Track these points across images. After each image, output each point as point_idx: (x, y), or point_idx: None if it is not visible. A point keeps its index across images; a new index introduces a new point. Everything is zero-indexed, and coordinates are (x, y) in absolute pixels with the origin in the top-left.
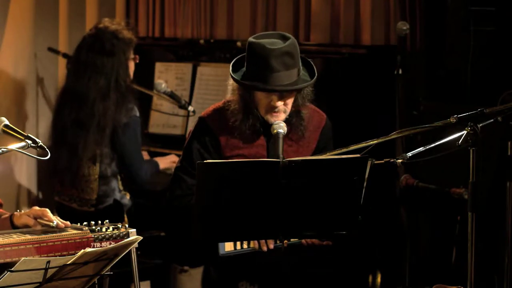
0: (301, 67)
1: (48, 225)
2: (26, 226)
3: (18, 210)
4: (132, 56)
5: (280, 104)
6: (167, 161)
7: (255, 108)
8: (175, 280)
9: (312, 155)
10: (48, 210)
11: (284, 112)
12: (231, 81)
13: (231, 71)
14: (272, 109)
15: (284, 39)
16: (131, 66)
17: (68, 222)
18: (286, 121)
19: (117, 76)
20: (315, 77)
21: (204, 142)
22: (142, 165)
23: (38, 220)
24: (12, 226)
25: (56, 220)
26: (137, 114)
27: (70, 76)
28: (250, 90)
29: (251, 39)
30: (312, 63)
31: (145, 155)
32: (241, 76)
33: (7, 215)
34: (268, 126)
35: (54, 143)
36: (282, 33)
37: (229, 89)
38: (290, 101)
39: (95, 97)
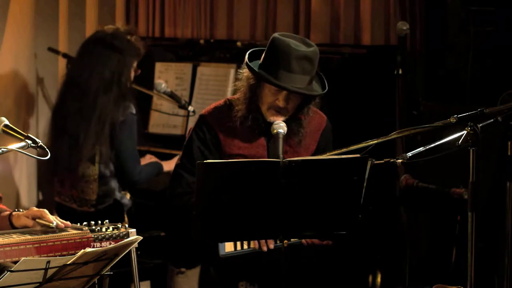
0: (314, 77)
1: (48, 226)
2: (25, 227)
3: (16, 209)
4: (135, 66)
5: (284, 105)
6: (172, 164)
7: (258, 102)
8: (172, 282)
9: (312, 156)
10: (46, 211)
11: (284, 115)
12: (243, 70)
13: (247, 59)
14: (275, 108)
15: (307, 45)
16: (131, 75)
17: (68, 222)
18: (286, 123)
19: (121, 74)
20: (326, 90)
21: (204, 139)
22: (137, 164)
23: (37, 220)
24: (12, 226)
25: (55, 220)
26: (134, 111)
27: (74, 64)
28: (264, 82)
29: (276, 35)
30: (324, 77)
31: (150, 157)
32: (257, 68)
33: (6, 214)
34: (269, 126)
35: (55, 132)
36: (307, 40)
37: (242, 77)
38: (293, 106)
39: (97, 88)
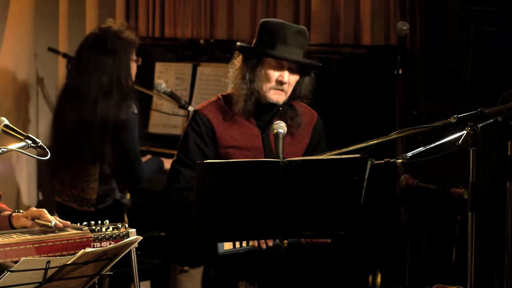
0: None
1: (46, 226)
2: (24, 228)
3: (16, 210)
4: (134, 57)
5: (287, 79)
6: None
7: (257, 86)
8: (175, 280)
9: (306, 150)
10: (45, 211)
11: (286, 93)
12: (235, 58)
13: (240, 44)
14: (278, 85)
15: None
16: (133, 67)
17: (68, 222)
18: (281, 114)
19: (119, 75)
20: (320, 65)
21: (200, 133)
22: (140, 162)
23: (36, 220)
24: (11, 227)
25: (54, 220)
26: (135, 111)
27: (71, 75)
28: (267, 56)
29: (264, 19)
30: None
31: (148, 157)
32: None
33: (6, 214)
34: (262, 115)
35: (56, 142)
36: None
37: (235, 66)
38: (293, 82)
39: (97, 95)
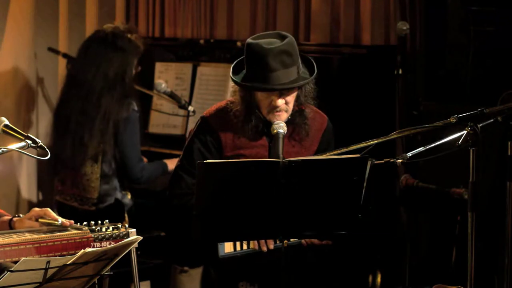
0: (300, 65)
1: (53, 224)
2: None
3: (16, 215)
4: (136, 64)
5: (281, 103)
6: (175, 162)
7: (257, 109)
8: (175, 280)
9: (313, 156)
10: (49, 210)
11: (286, 111)
12: (232, 83)
13: (231, 74)
14: (274, 109)
15: (281, 38)
16: (133, 73)
17: (72, 221)
18: (289, 121)
19: (124, 73)
20: (314, 74)
21: (205, 141)
22: (139, 161)
23: (40, 220)
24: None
25: (60, 218)
26: (136, 108)
27: (77, 64)
28: (250, 90)
29: (249, 40)
30: (312, 60)
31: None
32: (241, 78)
33: (6, 219)
34: (268, 125)
35: (57, 131)
36: (281, 32)
37: (231, 91)
38: (291, 100)
39: (102, 88)
